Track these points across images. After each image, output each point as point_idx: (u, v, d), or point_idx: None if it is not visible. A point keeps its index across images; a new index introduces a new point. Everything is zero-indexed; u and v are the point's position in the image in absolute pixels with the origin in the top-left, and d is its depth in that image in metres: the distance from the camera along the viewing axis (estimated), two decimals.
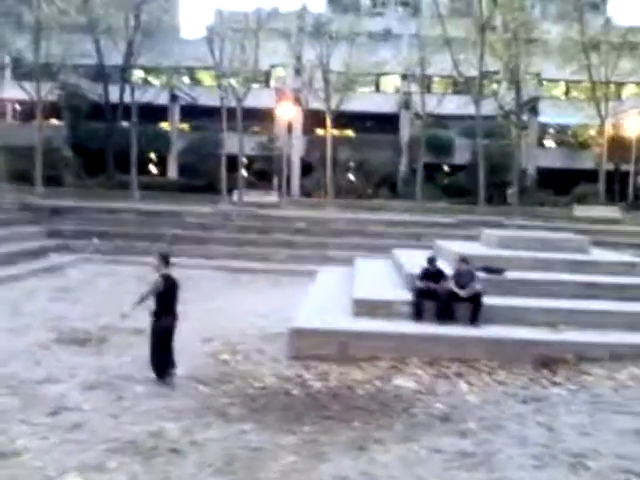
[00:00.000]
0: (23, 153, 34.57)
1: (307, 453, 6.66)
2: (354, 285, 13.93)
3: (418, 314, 11.64)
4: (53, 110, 40.33)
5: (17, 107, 45.78)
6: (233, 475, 6.01)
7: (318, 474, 6.15)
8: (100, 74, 40.82)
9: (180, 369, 9.31)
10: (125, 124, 39.83)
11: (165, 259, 9.19)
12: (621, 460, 6.80)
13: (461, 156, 42.02)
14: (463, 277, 11.91)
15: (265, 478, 5.99)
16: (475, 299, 11.60)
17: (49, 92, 35.42)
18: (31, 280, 17.73)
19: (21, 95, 36.23)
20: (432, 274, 12.09)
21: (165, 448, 6.61)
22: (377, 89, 46.43)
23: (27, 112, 41.17)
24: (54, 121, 42.72)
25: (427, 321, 11.48)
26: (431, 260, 12.45)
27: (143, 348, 9.43)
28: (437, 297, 11.69)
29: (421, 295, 11.78)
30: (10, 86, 38.60)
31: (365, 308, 11.85)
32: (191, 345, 10.85)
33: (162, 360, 8.96)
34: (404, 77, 42.60)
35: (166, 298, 8.92)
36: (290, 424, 7.53)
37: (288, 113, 38.49)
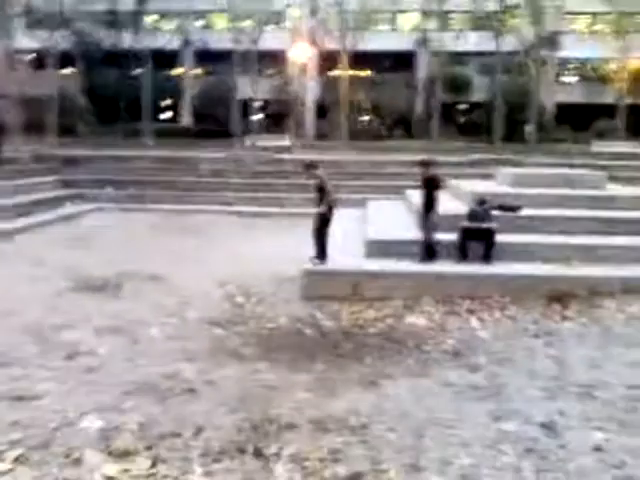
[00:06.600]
0: (37, 103, 34.53)
1: (320, 390, 6.78)
2: (367, 226, 13.94)
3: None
4: (66, 59, 40.11)
5: (29, 56, 45.60)
6: (248, 412, 6.13)
7: (331, 408, 6.28)
8: (112, 20, 40.41)
9: (195, 312, 9.49)
10: (138, 71, 39.57)
11: None
12: (630, 390, 6.86)
13: (479, 94, 41.37)
14: (479, 217, 11.88)
15: (279, 414, 6.11)
16: (488, 236, 11.58)
17: (62, 40, 35.16)
18: (47, 230, 17.94)
19: (34, 44, 36.03)
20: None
21: (180, 388, 6.73)
22: (394, 27, 45.47)
23: (40, 61, 40.98)
24: (67, 70, 42.50)
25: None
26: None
27: (158, 293, 9.46)
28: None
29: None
30: (22, 35, 38.36)
31: (378, 248, 11.90)
32: (206, 289, 11.05)
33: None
34: (423, 13, 41.71)
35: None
36: (303, 362, 7.65)
37: (303, 54, 37.83)
